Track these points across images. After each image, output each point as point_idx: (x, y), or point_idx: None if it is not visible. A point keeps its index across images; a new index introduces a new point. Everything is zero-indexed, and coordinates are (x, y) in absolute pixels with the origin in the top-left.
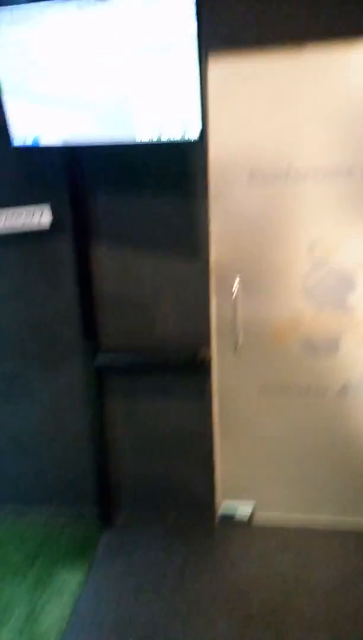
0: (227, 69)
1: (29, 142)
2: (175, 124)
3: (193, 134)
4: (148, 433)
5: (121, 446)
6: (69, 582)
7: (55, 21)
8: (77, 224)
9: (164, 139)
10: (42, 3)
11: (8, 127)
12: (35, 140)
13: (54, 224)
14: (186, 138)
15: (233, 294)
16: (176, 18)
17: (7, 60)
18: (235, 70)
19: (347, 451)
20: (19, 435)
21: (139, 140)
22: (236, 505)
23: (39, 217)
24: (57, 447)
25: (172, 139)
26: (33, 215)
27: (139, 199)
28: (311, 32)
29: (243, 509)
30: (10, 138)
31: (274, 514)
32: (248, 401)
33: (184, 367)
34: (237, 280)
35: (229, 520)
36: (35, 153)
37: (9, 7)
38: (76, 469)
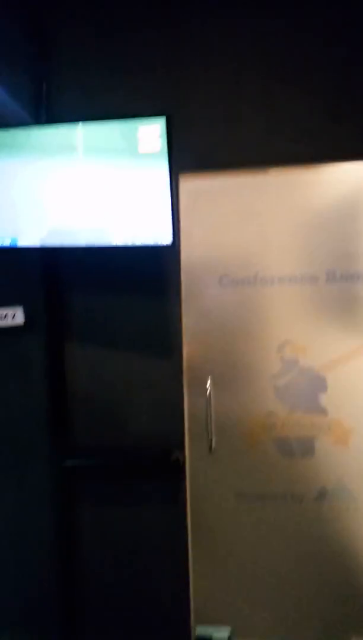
0: (197, 184)
1: (7, 243)
2: (149, 230)
3: (166, 240)
4: (117, 544)
5: (87, 560)
6: None
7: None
8: (50, 323)
9: (138, 242)
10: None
11: None
12: (13, 241)
13: (27, 322)
14: (159, 243)
15: (206, 393)
16: (149, 141)
17: None
18: (204, 186)
19: (326, 565)
20: None
21: (114, 244)
22: (211, 631)
23: (12, 318)
24: (17, 561)
25: (146, 243)
26: (5, 316)
27: (113, 298)
28: (274, 156)
29: (218, 635)
30: None
31: None
32: (223, 508)
33: (157, 470)
34: (209, 379)
35: None
36: (12, 252)
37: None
38: (37, 587)
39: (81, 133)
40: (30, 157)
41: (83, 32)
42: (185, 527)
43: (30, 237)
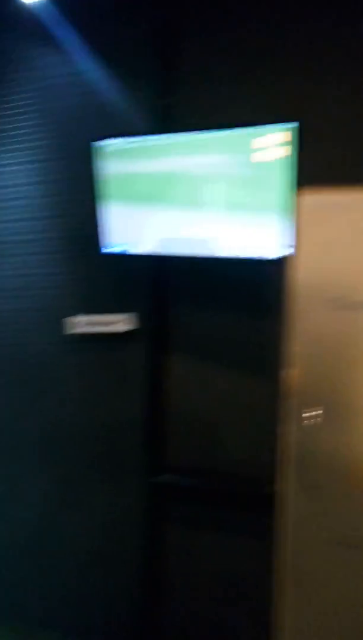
0: (317, 199)
1: (118, 250)
2: (259, 244)
3: (276, 255)
4: (200, 571)
5: (169, 583)
6: None
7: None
8: (155, 333)
9: (247, 255)
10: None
11: (99, 234)
12: (124, 248)
13: (133, 330)
14: (269, 257)
15: (308, 424)
16: (267, 150)
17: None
18: (325, 202)
19: None
20: (65, 555)
21: (223, 255)
22: None
23: (119, 325)
24: (102, 573)
25: (255, 256)
26: (116, 323)
27: (218, 313)
28: None
29: None
30: (100, 245)
31: None
32: (317, 555)
33: (249, 501)
34: (313, 409)
35: None
36: (122, 260)
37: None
38: (117, 601)
39: (201, 141)
40: (148, 164)
41: (210, 42)
42: (272, 566)
43: (141, 245)
